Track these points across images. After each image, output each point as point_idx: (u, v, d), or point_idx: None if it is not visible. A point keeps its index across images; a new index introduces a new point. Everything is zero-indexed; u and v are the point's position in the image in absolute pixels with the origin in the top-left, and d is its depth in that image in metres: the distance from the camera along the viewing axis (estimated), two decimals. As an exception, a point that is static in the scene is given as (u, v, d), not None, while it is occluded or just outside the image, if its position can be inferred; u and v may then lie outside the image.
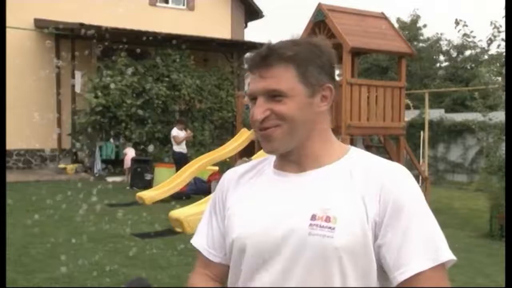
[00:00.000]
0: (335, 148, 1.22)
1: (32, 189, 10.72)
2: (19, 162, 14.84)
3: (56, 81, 14.85)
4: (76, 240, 6.12)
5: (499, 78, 8.49)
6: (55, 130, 14.31)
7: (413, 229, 1.09)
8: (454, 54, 27.32)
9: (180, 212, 7.43)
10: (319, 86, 1.17)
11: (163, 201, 9.50)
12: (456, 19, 8.48)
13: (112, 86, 13.02)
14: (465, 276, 5.41)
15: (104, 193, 9.82)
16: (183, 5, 17.34)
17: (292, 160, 1.21)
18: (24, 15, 14.07)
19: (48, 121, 13.50)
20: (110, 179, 12.64)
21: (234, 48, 15.87)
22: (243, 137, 11.27)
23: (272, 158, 1.27)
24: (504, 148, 7.07)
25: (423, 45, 26.72)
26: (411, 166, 10.50)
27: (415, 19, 27.09)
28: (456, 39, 25.47)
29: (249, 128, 11.08)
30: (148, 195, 9.62)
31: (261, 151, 6.66)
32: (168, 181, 10.15)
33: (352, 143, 9.50)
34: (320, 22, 9.22)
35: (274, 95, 1.15)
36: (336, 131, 8.82)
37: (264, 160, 1.31)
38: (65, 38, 14.46)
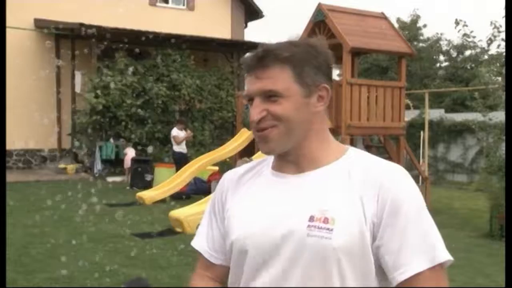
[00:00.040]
0: (333, 148, 1.22)
1: (32, 189, 10.72)
2: (19, 162, 14.84)
3: (56, 81, 14.86)
4: (76, 240, 6.12)
5: (499, 78, 8.49)
6: (55, 130, 14.32)
7: (411, 229, 1.09)
8: (454, 54, 27.32)
9: (180, 212, 7.43)
10: (315, 86, 1.17)
11: (163, 201, 9.50)
12: (456, 19, 8.48)
13: (112, 86, 13.02)
14: (465, 276, 5.41)
15: (104, 193, 9.82)
16: (183, 5, 17.35)
17: (290, 160, 1.21)
18: (24, 15, 14.07)
19: (48, 121, 13.49)
20: (110, 179, 12.64)
21: (234, 48, 15.88)
22: (243, 137, 11.26)
23: (271, 159, 1.27)
24: (504, 148, 7.07)
25: (423, 45, 26.72)
26: (411, 166, 10.50)
27: (415, 19, 27.09)
28: (456, 39, 25.51)
29: (249, 128, 11.04)
30: (148, 195, 9.63)
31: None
32: (168, 181, 10.15)
33: (352, 143, 9.51)
34: (320, 22, 9.22)
35: (270, 96, 1.15)
36: (336, 131, 8.83)
37: (263, 160, 1.31)
38: (65, 38, 14.47)
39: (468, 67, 25.88)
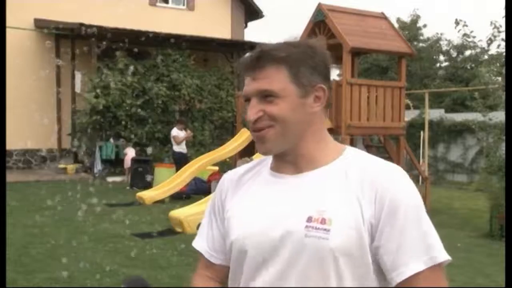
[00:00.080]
0: (330, 148, 1.22)
1: (32, 189, 10.72)
2: (19, 162, 14.85)
3: (56, 81, 14.86)
4: (76, 240, 6.12)
5: (499, 78, 8.49)
6: (55, 130, 14.32)
7: (409, 229, 1.09)
8: (454, 54, 27.32)
9: (180, 212, 7.43)
10: (311, 86, 1.17)
11: (163, 201, 9.51)
12: (456, 19, 8.48)
13: (112, 86, 13.02)
14: (465, 276, 5.41)
15: (104, 193, 9.83)
16: (183, 5, 17.35)
17: (288, 161, 1.21)
18: (24, 15, 14.07)
19: (48, 121, 13.49)
20: (110, 179, 12.65)
21: (234, 48, 15.88)
22: (243, 137, 11.25)
23: (270, 159, 1.28)
24: (504, 148, 7.07)
25: (423, 45, 26.71)
26: (411, 166, 10.51)
27: (415, 19, 27.09)
28: (456, 39, 25.50)
29: (249, 128, 11.06)
30: (148, 195, 9.63)
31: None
32: (168, 181, 10.15)
33: (352, 143, 9.51)
34: (320, 22, 9.22)
35: (266, 96, 1.15)
36: (336, 131, 8.83)
37: (263, 160, 1.31)
38: (65, 38, 14.47)
39: (468, 67, 25.88)
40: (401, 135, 9.77)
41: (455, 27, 8.51)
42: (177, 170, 10.61)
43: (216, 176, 10.50)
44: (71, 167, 14.08)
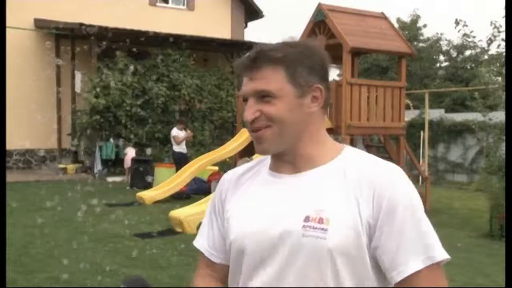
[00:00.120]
0: (329, 148, 1.22)
1: (32, 189, 10.72)
2: (19, 162, 14.84)
3: (56, 81, 14.86)
4: (76, 240, 6.12)
5: (499, 78, 8.48)
6: (55, 130, 14.32)
7: (408, 229, 1.10)
8: (454, 54, 27.33)
9: (180, 212, 7.43)
10: (308, 87, 1.17)
11: (163, 201, 9.50)
12: (456, 19, 8.47)
13: (112, 85, 13.02)
14: (465, 276, 5.40)
15: (104, 193, 9.83)
16: (183, 5, 17.35)
17: (286, 160, 1.21)
18: (24, 15, 14.07)
19: (48, 121, 13.50)
20: (110, 179, 12.65)
21: (234, 48, 15.88)
22: (243, 137, 11.24)
23: (269, 159, 1.28)
24: (504, 148, 7.06)
25: (423, 45, 26.72)
26: (411, 166, 10.51)
27: (415, 19, 27.10)
28: (456, 39, 25.50)
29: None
30: (148, 195, 9.62)
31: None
32: (168, 181, 10.15)
33: (352, 143, 9.52)
34: (320, 22, 9.22)
35: (263, 96, 1.16)
36: (336, 131, 8.83)
37: (262, 160, 1.31)
38: (65, 38, 14.47)
39: (468, 67, 25.89)
40: (401, 135, 9.77)
41: (455, 27, 8.51)
42: (177, 170, 10.60)
43: (216, 176, 10.50)
44: (71, 167, 14.08)
